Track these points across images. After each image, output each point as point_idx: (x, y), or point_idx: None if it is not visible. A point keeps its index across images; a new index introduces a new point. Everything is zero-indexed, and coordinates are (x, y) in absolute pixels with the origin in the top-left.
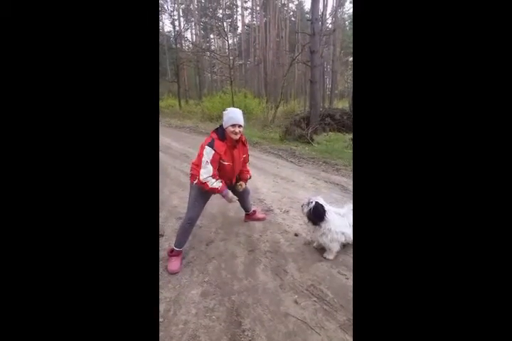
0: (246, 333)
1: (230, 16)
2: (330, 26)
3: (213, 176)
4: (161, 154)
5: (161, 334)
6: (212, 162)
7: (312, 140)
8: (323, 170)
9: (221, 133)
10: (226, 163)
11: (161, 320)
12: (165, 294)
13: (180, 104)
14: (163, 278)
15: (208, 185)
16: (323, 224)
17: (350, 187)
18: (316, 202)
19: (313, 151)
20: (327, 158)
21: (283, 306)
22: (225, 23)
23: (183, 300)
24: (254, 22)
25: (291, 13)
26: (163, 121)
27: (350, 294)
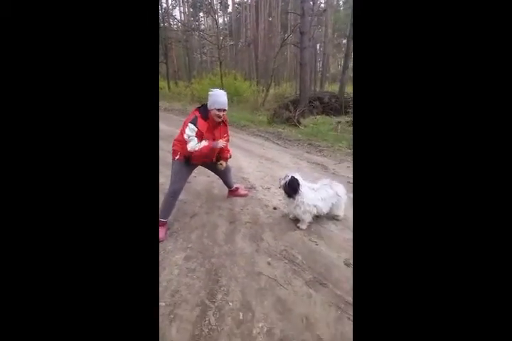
0: (222, 288)
1: None
2: (323, 6)
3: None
4: None
5: None
6: (196, 136)
7: (299, 123)
8: (306, 152)
9: (204, 112)
10: (205, 137)
11: None
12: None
13: (169, 86)
14: None
15: (198, 152)
16: (296, 197)
17: (331, 167)
18: (292, 177)
19: (300, 134)
20: (312, 140)
21: (257, 267)
22: (214, 1)
23: (167, 263)
24: (246, 0)
25: None
26: None
27: (318, 257)
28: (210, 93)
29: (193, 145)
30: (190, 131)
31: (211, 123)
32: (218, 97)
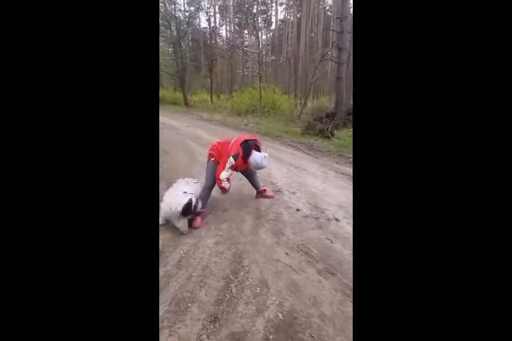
0: (244, 268)
1: (265, 12)
2: None
3: (228, 179)
4: (191, 143)
5: (182, 263)
6: (230, 168)
7: (332, 135)
8: (336, 162)
9: (246, 153)
10: (238, 170)
11: (183, 255)
12: (188, 240)
13: (212, 99)
14: (188, 230)
15: (220, 183)
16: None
17: None
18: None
19: (331, 145)
20: (343, 151)
21: (275, 254)
22: (259, 19)
23: (201, 244)
24: (289, 17)
25: (327, 7)
26: (195, 114)
27: (332, 252)
28: (265, 155)
29: (223, 177)
30: (229, 163)
31: (247, 160)
32: (261, 166)
